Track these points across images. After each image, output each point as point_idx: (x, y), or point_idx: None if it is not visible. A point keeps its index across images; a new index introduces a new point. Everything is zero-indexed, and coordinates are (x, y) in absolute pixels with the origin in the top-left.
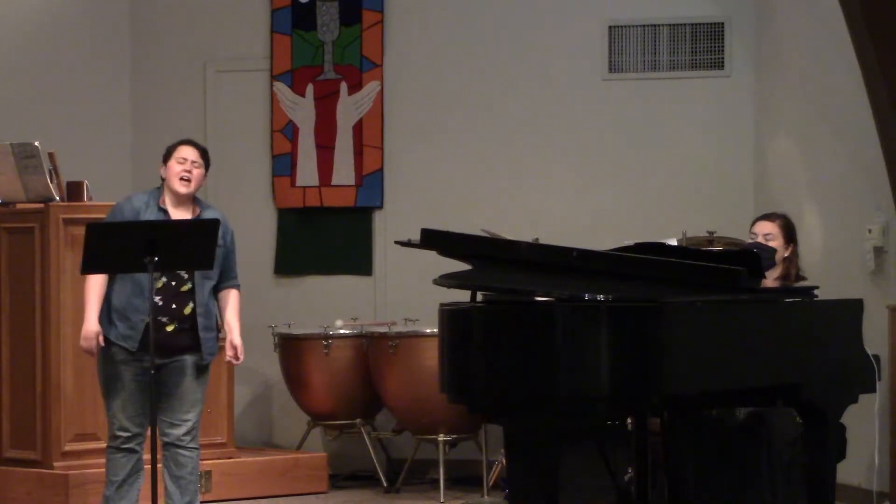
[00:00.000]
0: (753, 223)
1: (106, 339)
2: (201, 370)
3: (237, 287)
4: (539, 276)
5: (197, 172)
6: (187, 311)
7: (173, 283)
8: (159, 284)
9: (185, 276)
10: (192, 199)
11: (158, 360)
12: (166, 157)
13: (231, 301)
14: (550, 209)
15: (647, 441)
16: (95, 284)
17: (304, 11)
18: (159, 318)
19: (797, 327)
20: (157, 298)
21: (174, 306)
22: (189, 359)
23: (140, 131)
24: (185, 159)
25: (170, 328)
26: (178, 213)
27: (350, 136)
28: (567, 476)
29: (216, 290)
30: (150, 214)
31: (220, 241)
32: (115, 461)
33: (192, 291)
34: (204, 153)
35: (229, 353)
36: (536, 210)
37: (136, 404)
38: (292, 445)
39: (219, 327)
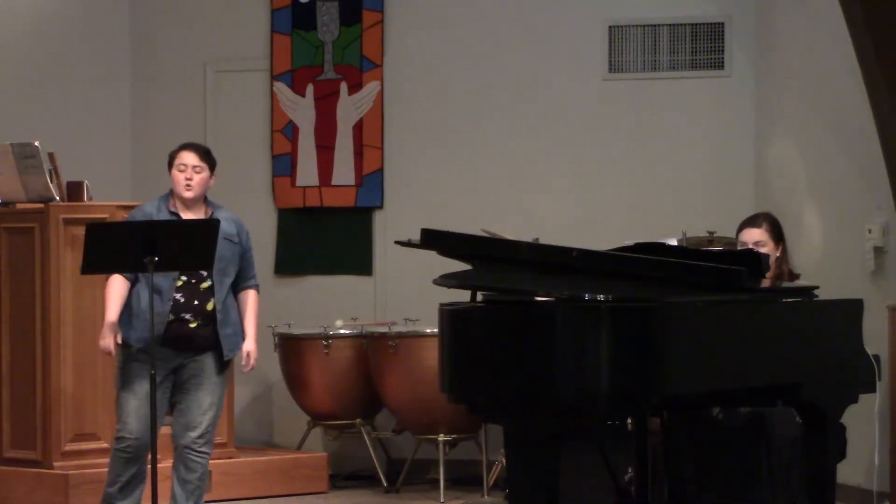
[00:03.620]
0: (739, 231)
1: (127, 342)
2: (221, 370)
3: (255, 287)
4: (539, 276)
5: (199, 177)
6: (209, 307)
7: (193, 281)
8: (179, 283)
9: (204, 273)
10: (202, 202)
11: (179, 357)
12: (170, 164)
13: (248, 304)
14: (550, 209)
15: (647, 441)
16: (116, 286)
17: (304, 11)
18: (182, 314)
19: (797, 327)
20: (178, 296)
21: (196, 303)
22: (209, 357)
23: (140, 131)
24: (186, 165)
25: (193, 325)
26: (190, 216)
27: (350, 136)
28: (567, 476)
29: (235, 290)
30: (163, 218)
31: (234, 239)
32: (118, 464)
33: (211, 288)
34: (205, 155)
35: (242, 359)
36: (536, 210)
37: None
38: (292, 445)
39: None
